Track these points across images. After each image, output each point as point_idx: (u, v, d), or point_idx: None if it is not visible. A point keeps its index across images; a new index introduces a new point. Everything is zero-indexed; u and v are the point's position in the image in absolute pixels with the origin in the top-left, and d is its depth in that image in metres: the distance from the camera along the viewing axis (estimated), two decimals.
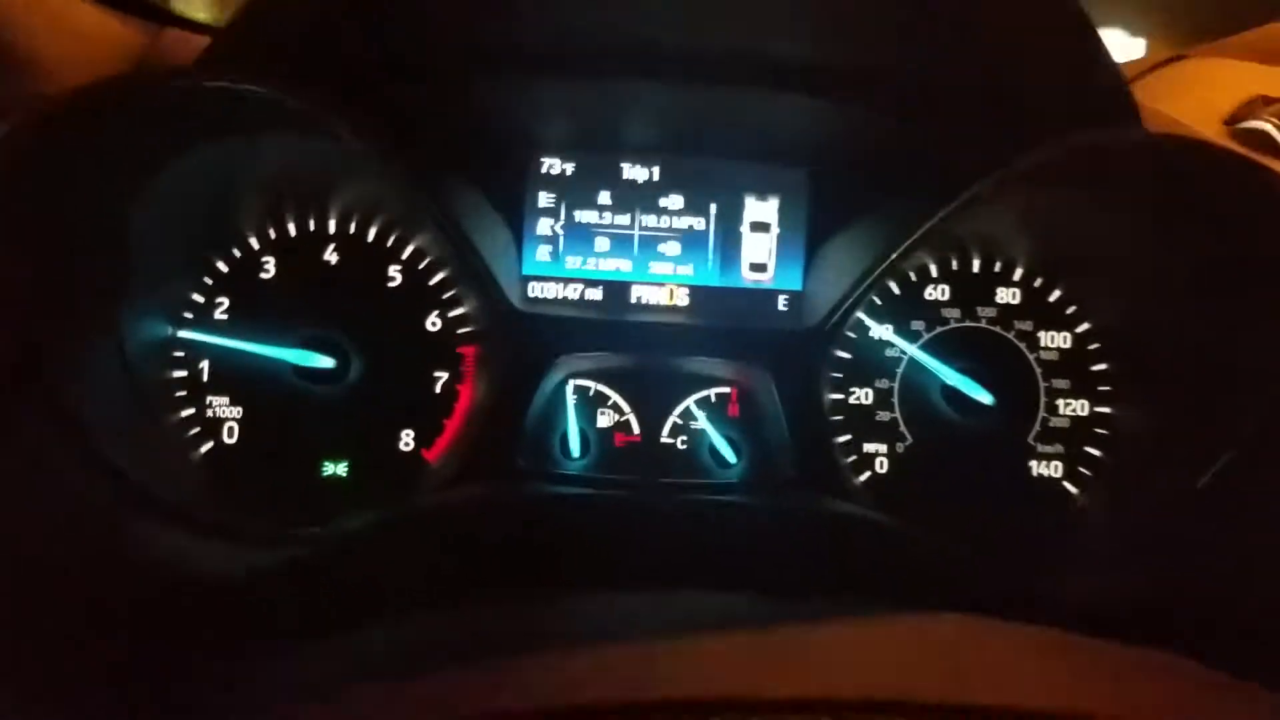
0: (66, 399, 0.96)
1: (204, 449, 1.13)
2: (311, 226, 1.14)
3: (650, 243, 1.19)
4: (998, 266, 1.18)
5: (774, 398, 1.12)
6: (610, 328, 1.16)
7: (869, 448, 1.18)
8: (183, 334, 1.12)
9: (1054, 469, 1.18)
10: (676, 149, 1.18)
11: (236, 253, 1.13)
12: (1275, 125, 1.08)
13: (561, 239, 1.18)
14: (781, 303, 1.20)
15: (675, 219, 1.19)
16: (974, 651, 0.77)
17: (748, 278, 1.20)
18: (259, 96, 0.90)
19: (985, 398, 1.14)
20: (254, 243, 1.13)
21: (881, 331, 1.17)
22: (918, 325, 1.17)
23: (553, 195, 1.18)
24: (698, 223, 1.19)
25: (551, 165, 1.18)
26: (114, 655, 0.86)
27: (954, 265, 1.18)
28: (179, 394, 1.12)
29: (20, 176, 0.87)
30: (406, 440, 1.15)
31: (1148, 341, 1.14)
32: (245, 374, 1.12)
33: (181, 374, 1.13)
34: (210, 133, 1.01)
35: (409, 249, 1.14)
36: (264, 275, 1.13)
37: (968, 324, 1.18)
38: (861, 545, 1.06)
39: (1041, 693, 0.64)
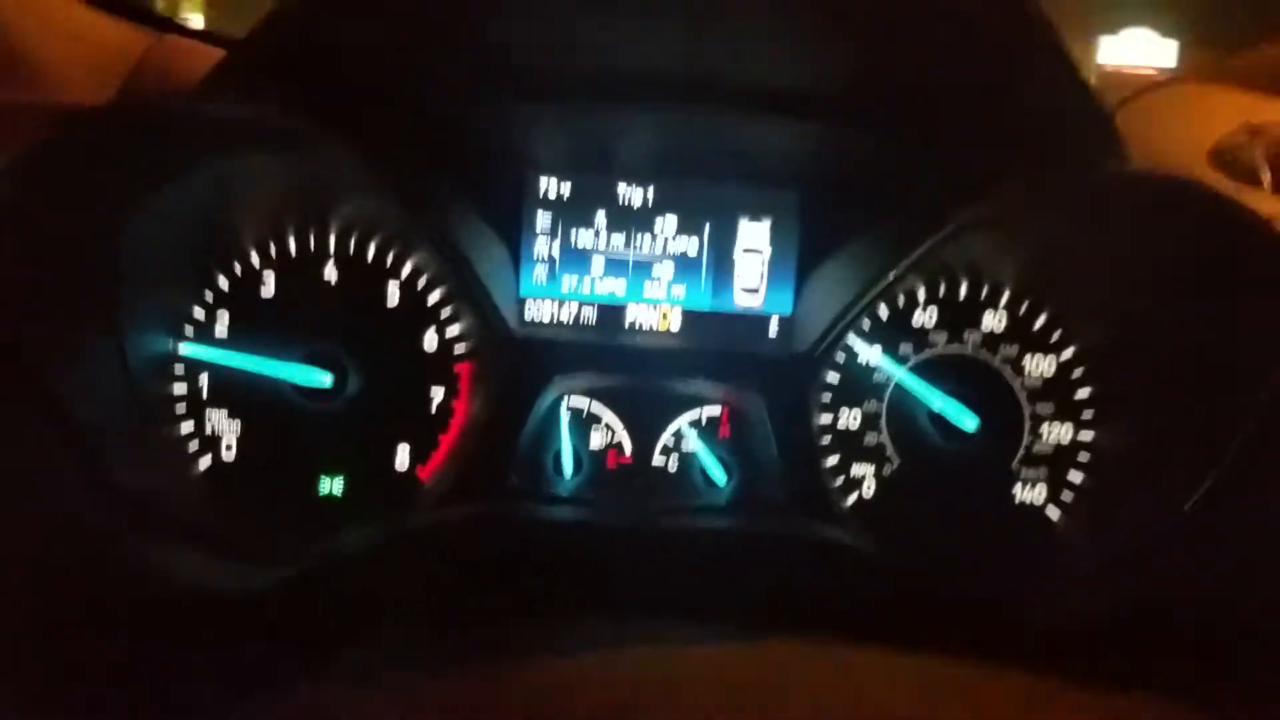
0: (68, 413, 0.97)
1: (203, 463, 1.14)
2: (311, 244, 1.15)
3: (644, 266, 1.22)
4: (984, 292, 1.20)
5: (764, 420, 1.14)
6: (604, 349, 1.19)
7: (857, 470, 1.21)
8: (183, 349, 1.13)
9: (1037, 493, 1.20)
10: (671, 171, 1.20)
11: (237, 269, 1.14)
12: (1260, 155, 1.12)
13: (558, 260, 1.21)
14: (773, 327, 1.22)
15: (669, 242, 1.21)
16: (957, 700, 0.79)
17: (739, 301, 1.22)
18: (257, 120, 0.92)
19: (970, 423, 1.17)
20: (254, 259, 1.15)
21: (870, 355, 1.19)
22: (906, 349, 1.20)
23: (550, 216, 1.20)
24: (691, 246, 1.21)
25: (549, 186, 1.20)
26: (113, 667, 0.87)
27: (942, 289, 1.20)
28: (179, 408, 1.14)
29: (22, 202, 0.89)
30: (402, 456, 1.17)
31: (1131, 367, 1.16)
32: (244, 389, 1.14)
33: (182, 388, 1.14)
34: (210, 153, 1.02)
35: (407, 267, 1.16)
36: (264, 292, 1.15)
37: (954, 349, 1.20)
38: (846, 573, 1.08)
39: None
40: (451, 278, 1.12)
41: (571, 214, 1.21)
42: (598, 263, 1.21)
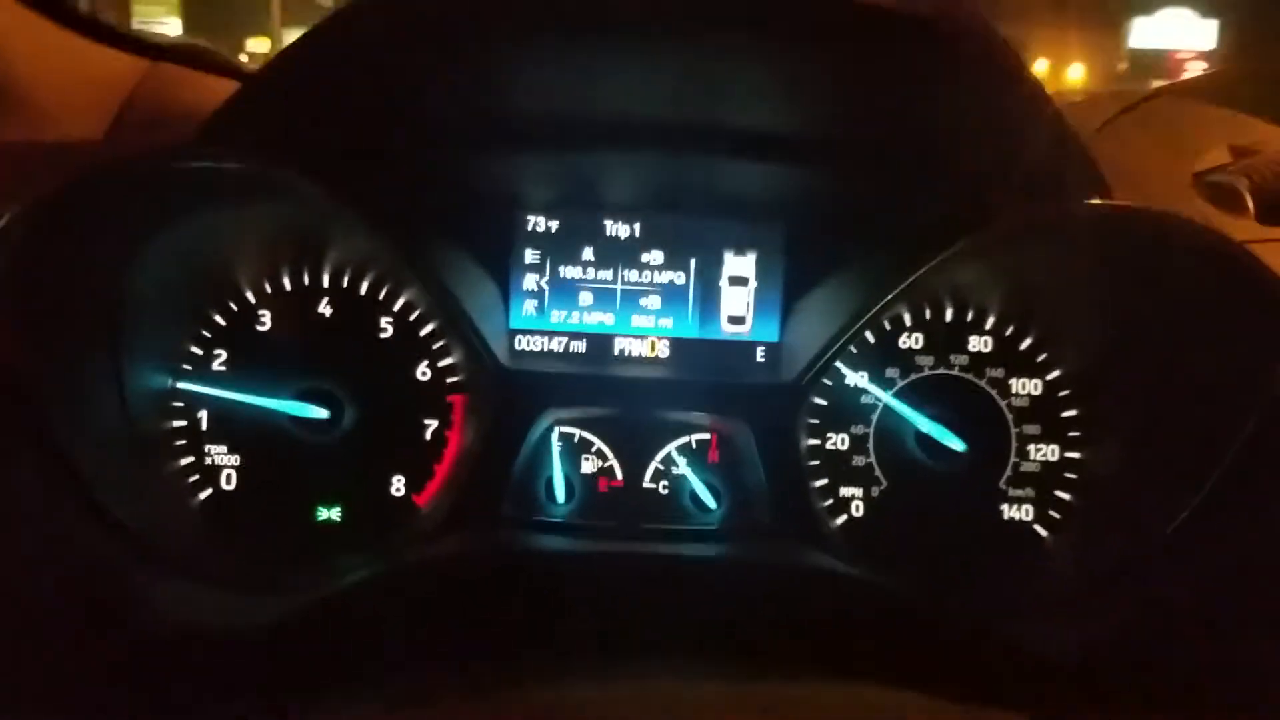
0: (68, 450, 1.00)
1: (202, 496, 1.17)
2: (306, 280, 1.18)
3: (632, 297, 1.24)
4: (970, 315, 1.21)
5: (752, 445, 1.16)
6: (594, 379, 1.21)
7: (845, 491, 1.22)
8: (182, 385, 1.16)
9: (1025, 512, 1.22)
10: (656, 207, 1.22)
11: (233, 306, 1.17)
12: (1240, 179, 1.12)
13: (547, 294, 1.23)
14: (759, 354, 1.24)
15: (656, 274, 1.23)
16: None
17: (726, 330, 1.24)
18: (248, 172, 0.95)
19: (957, 445, 1.18)
20: (250, 296, 1.18)
21: (857, 379, 1.20)
22: (892, 373, 1.21)
23: (538, 252, 1.22)
24: (678, 277, 1.23)
25: (537, 223, 1.22)
26: (110, 702, 0.90)
27: (928, 314, 1.21)
28: (179, 443, 1.17)
29: (19, 257, 0.91)
30: (398, 486, 1.20)
31: (1116, 387, 1.17)
32: (243, 423, 1.17)
33: (181, 423, 1.17)
34: (203, 203, 1.05)
35: (399, 302, 1.18)
36: (260, 328, 1.18)
37: (941, 371, 1.21)
38: (835, 597, 1.10)
39: None
40: (441, 313, 1.14)
41: (559, 249, 1.23)
42: (586, 295, 1.24)
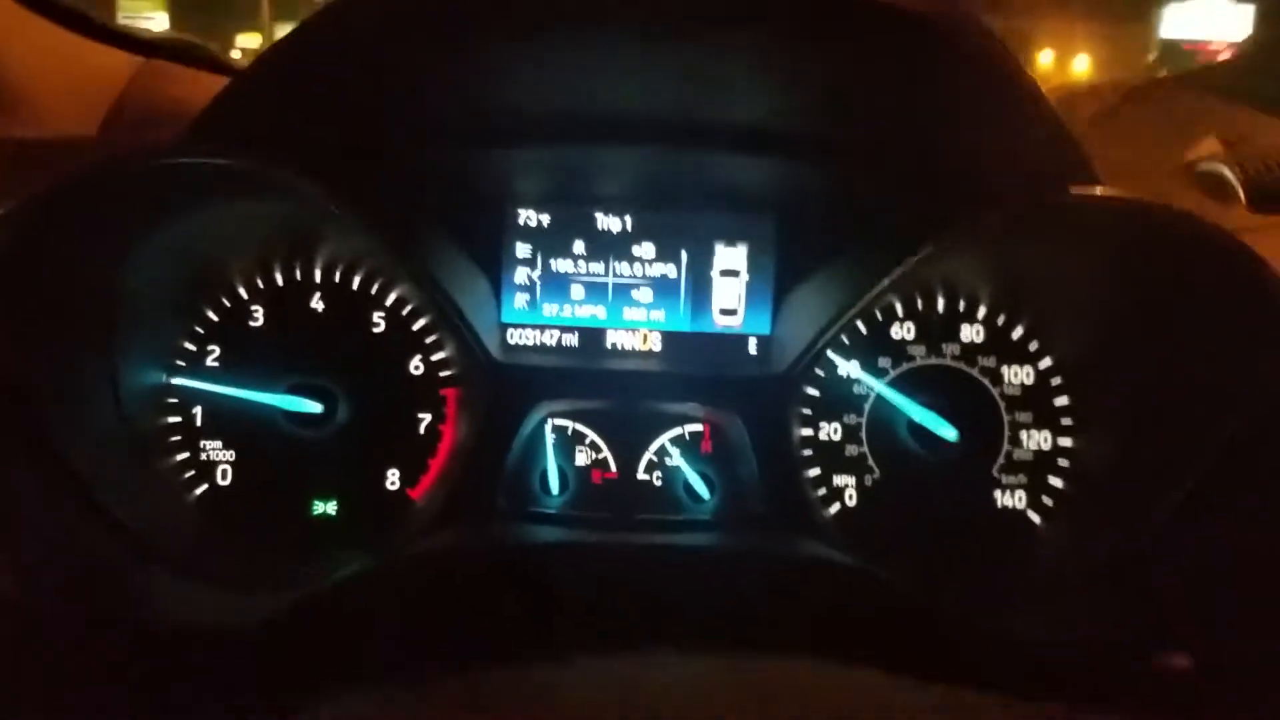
0: (65, 449, 1.00)
1: (198, 491, 1.18)
2: (298, 276, 1.18)
3: (624, 290, 1.24)
4: (961, 305, 1.22)
5: (745, 435, 1.16)
6: (587, 372, 1.21)
7: (838, 481, 1.23)
8: (176, 381, 1.17)
9: (1018, 499, 1.22)
10: (647, 200, 1.23)
11: (226, 302, 1.18)
12: (1231, 169, 1.12)
13: (539, 287, 1.23)
14: (752, 346, 1.24)
15: (648, 267, 1.23)
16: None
17: (718, 322, 1.24)
18: (239, 169, 0.95)
19: (949, 433, 1.18)
20: (243, 292, 1.18)
21: (849, 369, 1.20)
22: (885, 362, 1.21)
23: (529, 246, 1.23)
24: (669, 270, 1.24)
25: (528, 217, 1.22)
26: (108, 701, 0.90)
27: (919, 305, 1.22)
28: (174, 439, 1.17)
29: (12, 257, 0.92)
30: (393, 479, 1.20)
31: (1107, 376, 1.17)
32: (237, 418, 1.17)
33: (176, 420, 1.18)
34: (195, 200, 1.06)
35: (391, 296, 1.18)
36: (253, 323, 1.18)
37: (933, 361, 1.22)
38: (828, 587, 1.10)
39: None
40: (433, 308, 1.15)
41: (551, 243, 1.23)
42: (578, 289, 1.24)
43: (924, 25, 0.86)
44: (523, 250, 1.22)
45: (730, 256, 1.23)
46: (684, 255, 1.23)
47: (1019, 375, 1.21)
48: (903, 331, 1.21)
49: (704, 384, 1.19)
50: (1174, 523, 1.06)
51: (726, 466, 1.20)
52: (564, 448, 1.20)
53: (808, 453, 1.22)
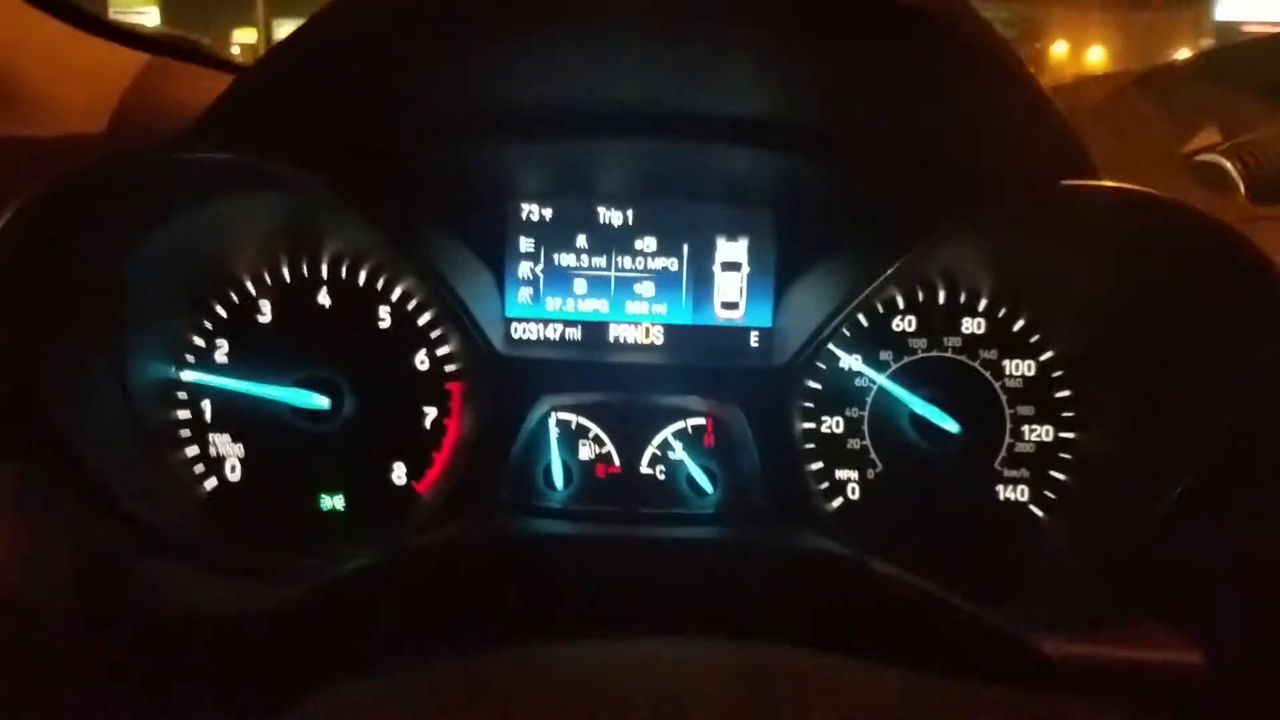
0: (72, 442, 1.02)
1: (208, 486, 1.19)
2: (305, 271, 1.20)
3: (626, 283, 1.25)
4: (963, 298, 1.22)
5: (747, 429, 1.17)
6: (590, 366, 1.22)
7: (840, 474, 1.23)
8: (185, 376, 1.18)
9: (1020, 492, 1.22)
10: (649, 194, 1.24)
11: (234, 297, 1.19)
12: (1230, 160, 1.12)
13: (542, 281, 1.24)
14: (753, 339, 1.25)
15: (649, 260, 1.24)
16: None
17: (720, 315, 1.25)
18: (242, 165, 0.96)
19: (951, 426, 1.19)
20: (250, 287, 1.19)
21: (851, 362, 1.21)
22: (886, 355, 1.22)
23: (532, 240, 1.24)
24: (671, 263, 1.24)
25: (530, 212, 1.23)
26: (116, 693, 0.92)
27: (920, 297, 1.22)
28: (183, 433, 1.19)
29: (18, 253, 0.93)
30: (399, 473, 1.22)
31: (1109, 368, 1.17)
32: (246, 413, 1.19)
33: (185, 414, 1.19)
34: (199, 196, 1.07)
35: (397, 291, 1.19)
36: (260, 318, 1.20)
37: (935, 354, 1.22)
38: (831, 580, 1.11)
39: None
40: (438, 302, 1.16)
41: (553, 237, 1.24)
42: (580, 282, 1.25)
43: (921, 18, 0.86)
44: (525, 245, 1.24)
45: (732, 249, 1.24)
46: (685, 248, 1.24)
47: (1020, 368, 1.21)
48: (904, 324, 1.22)
49: (706, 377, 1.20)
50: (1175, 514, 1.06)
51: (729, 460, 1.20)
52: (568, 442, 1.21)
53: (810, 446, 1.22)
